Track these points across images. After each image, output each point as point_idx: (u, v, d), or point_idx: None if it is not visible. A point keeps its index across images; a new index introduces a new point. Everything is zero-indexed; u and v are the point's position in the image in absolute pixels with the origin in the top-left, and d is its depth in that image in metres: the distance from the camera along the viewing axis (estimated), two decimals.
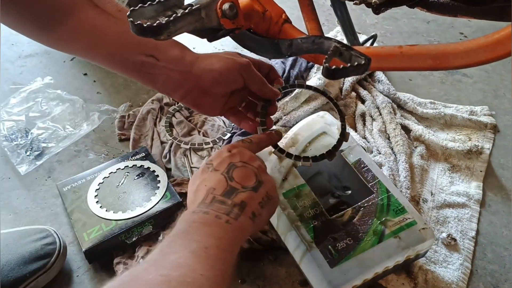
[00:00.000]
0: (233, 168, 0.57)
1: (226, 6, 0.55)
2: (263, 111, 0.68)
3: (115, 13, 0.60)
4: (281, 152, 0.69)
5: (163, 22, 0.49)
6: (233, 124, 0.98)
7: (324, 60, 0.48)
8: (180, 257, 0.44)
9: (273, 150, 0.69)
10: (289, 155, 0.69)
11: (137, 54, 0.61)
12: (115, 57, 0.62)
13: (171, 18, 0.49)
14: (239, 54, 0.66)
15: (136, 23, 0.47)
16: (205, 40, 0.61)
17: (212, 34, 0.59)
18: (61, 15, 0.59)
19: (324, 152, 0.69)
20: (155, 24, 0.48)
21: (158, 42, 0.61)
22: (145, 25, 0.48)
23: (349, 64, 0.48)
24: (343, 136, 0.71)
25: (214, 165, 0.59)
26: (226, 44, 1.21)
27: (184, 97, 0.65)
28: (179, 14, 0.50)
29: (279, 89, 0.69)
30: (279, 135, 0.69)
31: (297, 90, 0.99)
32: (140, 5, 0.49)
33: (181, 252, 0.45)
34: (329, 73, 0.47)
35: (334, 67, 0.47)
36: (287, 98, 0.98)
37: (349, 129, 0.97)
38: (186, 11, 0.51)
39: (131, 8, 0.48)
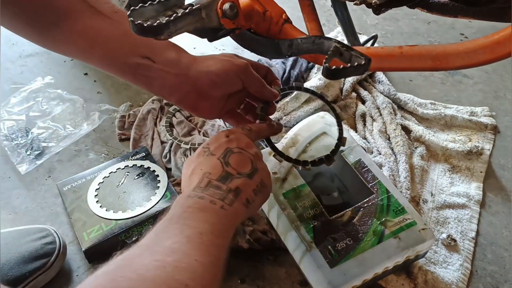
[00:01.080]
0: (230, 154, 0.57)
1: (226, 6, 0.55)
2: (262, 113, 0.67)
3: (111, 14, 0.60)
4: (280, 156, 0.68)
5: (164, 21, 0.49)
6: None
7: (324, 61, 0.48)
8: (174, 242, 0.44)
9: (273, 153, 0.69)
10: (288, 159, 0.69)
11: (133, 56, 0.60)
12: (110, 59, 0.61)
13: (172, 18, 0.49)
14: (237, 55, 0.65)
15: (136, 22, 0.47)
16: (205, 40, 0.61)
17: (212, 34, 0.59)
18: (56, 17, 0.59)
19: (323, 157, 0.69)
20: (155, 24, 0.48)
21: (154, 45, 0.60)
22: (145, 25, 0.48)
23: (349, 65, 0.48)
24: (340, 141, 0.70)
25: (210, 149, 0.58)
26: (227, 44, 1.22)
27: (181, 101, 0.64)
28: (179, 14, 0.50)
29: (278, 91, 0.68)
30: (279, 126, 0.68)
31: (295, 92, 0.99)
32: (140, 4, 0.49)
33: (175, 237, 0.45)
34: (329, 74, 0.47)
35: (334, 67, 0.47)
36: (287, 99, 0.98)
37: (349, 130, 0.97)
38: (187, 11, 0.51)
39: (132, 8, 0.48)
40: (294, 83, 0.72)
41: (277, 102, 0.99)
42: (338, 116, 0.73)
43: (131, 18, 0.48)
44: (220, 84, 0.62)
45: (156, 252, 0.43)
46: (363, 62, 0.48)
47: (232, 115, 0.70)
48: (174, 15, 0.50)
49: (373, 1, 0.57)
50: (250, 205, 0.55)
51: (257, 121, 0.68)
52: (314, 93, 0.76)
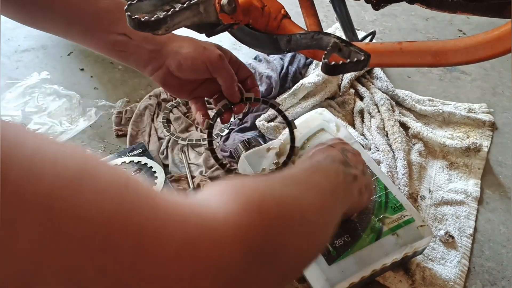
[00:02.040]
0: (347, 152, 0.62)
1: (224, 1, 0.54)
2: (222, 109, 0.68)
3: None
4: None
5: (161, 16, 0.48)
6: (231, 120, 0.97)
7: (323, 56, 0.47)
8: (313, 181, 0.49)
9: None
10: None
11: (110, 33, 0.61)
12: (88, 36, 0.63)
13: (169, 13, 0.49)
14: (220, 47, 0.66)
15: (133, 17, 0.47)
16: (203, 35, 0.61)
17: (210, 29, 0.59)
18: None
19: (280, 164, 0.70)
20: (153, 19, 0.48)
21: None
22: (143, 20, 0.47)
23: (348, 60, 0.47)
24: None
25: (329, 143, 0.63)
26: (224, 40, 1.21)
27: (152, 73, 0.66)
28: (177, 9, 0.50)
29: (250, 98, 0.69)
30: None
31: (294, 87, 0.99)
32: None
33: (312, 181, 0.49)
34: (328, 69, 0.46)
35: (333, 63, 0.46)
36: (285, 95, 0.98)
37: (347, 126, 0.97)
38: (184, 5, 0.50)
39: (129, 2, 0.48)
40: (271, 100, 0.72)
41: (249, 112, 0.98)
42: (291, 125, 0.72)
43: (128, 13, 0.47)
44: (185, 69, 0.64)
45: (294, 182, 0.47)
46: (362, 58, 0.47)
47: (197, 102, 0.71)
48: (172, 9, 0.49)
49: None
50: (359, 197, 0.59)
51: (213, 111, 0.69)
52: (284, 117, 0.74)
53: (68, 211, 0.23)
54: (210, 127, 0.68)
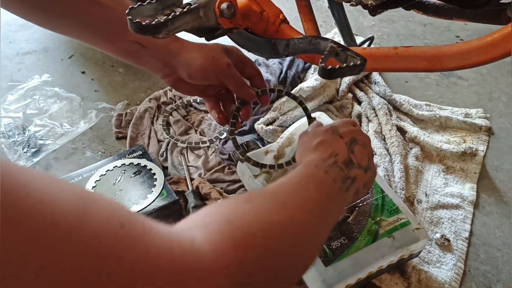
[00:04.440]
0: (355, 144, 0.60)
1: (224, 5, 0.55)
2: (235, 112, 0.69)
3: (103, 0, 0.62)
4: (248, 161, 0.71)
5: (162, 20, 0.49)
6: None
7: (320, 60, 0.48)
8: (305, 197, 0.49)
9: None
10: (256, 164, 0.71)
11: (123, 41, 0.63)
12: (103, 42, 0.65)
13: (170, 17, 0.50)
14: (226, 50, 0.68)
15: (134, 21, 0.48)
16: (203, 39, 0.62)
17: (210, 33, 0.60)
18: (58, 5, 0.61)
19: (290, 159, 0.71)
20: (153, 23, 0.49)
21: None
22: (143, 23, 0.48)
23: (345, 65, 0.48)
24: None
25: (340, 131, 0.61)
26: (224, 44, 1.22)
27: (164, 77, 0.69)
28: (177, 13, 0.51)
29: (257, 92, 0.70)
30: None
31: (293, 91, 1.00)
32: (139, 3, 0.50)
33: (304, 197, 0.49)
34: (325, 73, 0.47)
35: (330, 67, 0.47)
36: (283, 99, 0.99)
37: None
38: (185, 10, 0.51)
39: (130, 6, 0.49)
40: (276, 88, 0.73)
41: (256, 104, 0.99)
42: (310, 116, 0.74)
43: (130, 17, 0.48)
44: (197, 79, 0.66)
45: (284, 206, 0.46)
46: (358, 62, 0.48)
47: (210, 100, 0.73)
48: (172, 14, 0.50)
49: (369, 2, 0.58)
50: (356, 195, 0.59)
51: (231, 120, 0.70)
52: (294, 97, 0.76)
53: (65, 255, 0.26)
54: (234, 118, 0.70)
